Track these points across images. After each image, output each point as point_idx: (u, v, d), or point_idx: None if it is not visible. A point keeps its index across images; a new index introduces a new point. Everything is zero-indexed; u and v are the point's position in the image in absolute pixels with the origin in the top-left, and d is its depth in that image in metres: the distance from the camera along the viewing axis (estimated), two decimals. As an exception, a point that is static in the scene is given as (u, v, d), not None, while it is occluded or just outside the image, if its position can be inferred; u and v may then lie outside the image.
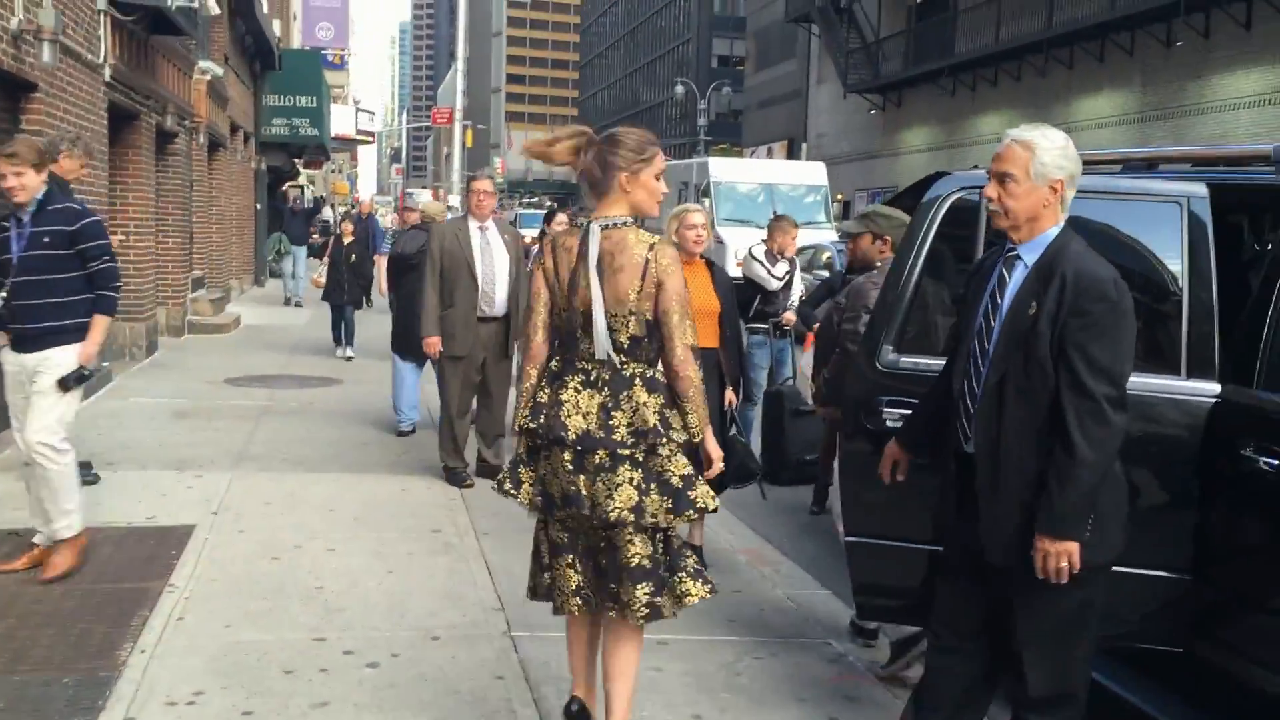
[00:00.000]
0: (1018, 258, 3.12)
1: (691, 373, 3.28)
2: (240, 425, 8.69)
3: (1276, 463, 3.35)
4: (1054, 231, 3.08)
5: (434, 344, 7.08)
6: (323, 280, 13.44)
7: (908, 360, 3.97)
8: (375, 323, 14.44)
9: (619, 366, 3.29)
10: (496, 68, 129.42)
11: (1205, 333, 3.70)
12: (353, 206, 44.41)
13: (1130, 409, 3.10)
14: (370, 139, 45.41)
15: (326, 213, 33.33)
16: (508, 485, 3.47)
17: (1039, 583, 3.01)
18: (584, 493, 3.24)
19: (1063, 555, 2.94)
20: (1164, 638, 3.77)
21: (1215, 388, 3.66)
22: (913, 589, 4.00)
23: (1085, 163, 3.22)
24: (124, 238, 11.22)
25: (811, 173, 26.26)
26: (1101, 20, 25.05)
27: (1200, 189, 3.80)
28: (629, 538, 3.25)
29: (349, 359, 12.84)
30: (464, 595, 5.07)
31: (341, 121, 34.52)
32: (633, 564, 3.25)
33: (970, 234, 3.96)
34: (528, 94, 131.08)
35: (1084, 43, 26.55)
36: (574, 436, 3.24)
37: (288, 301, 19.23)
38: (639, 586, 3.24)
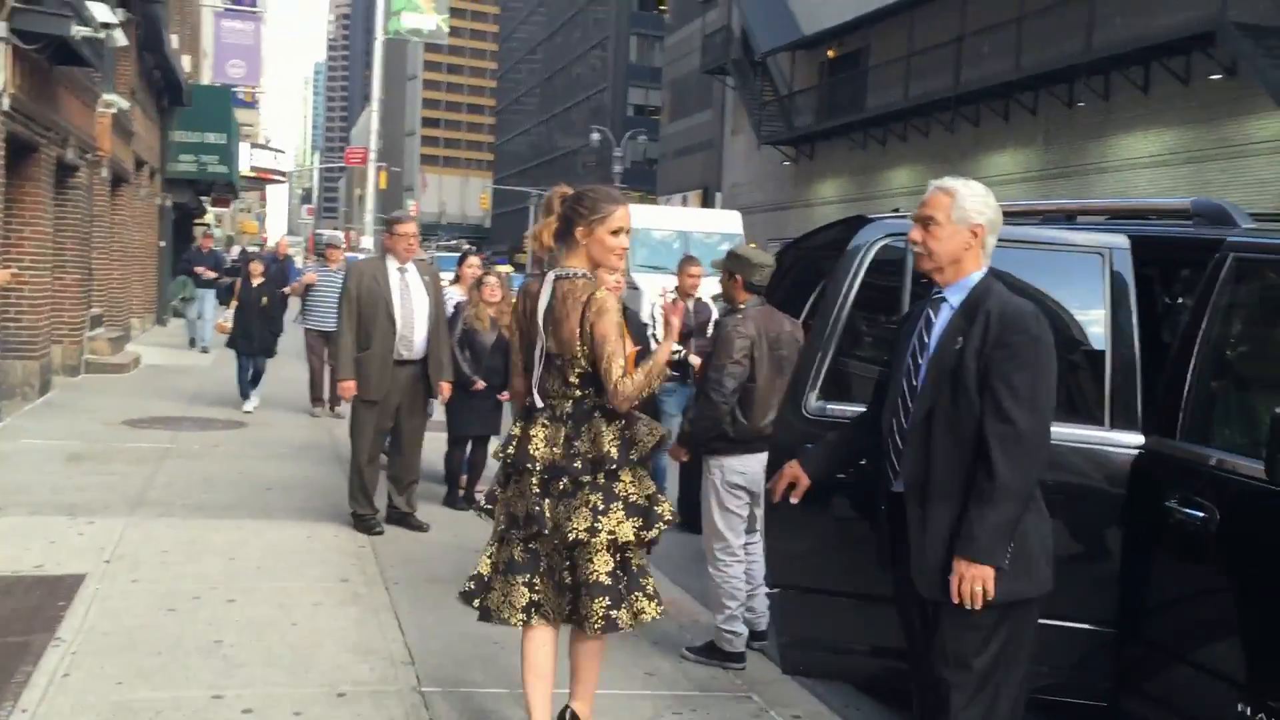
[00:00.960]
0: (943, 300, 3.20)
1: (621, 401, 3.42)
2: (138, 469, 8.34)
3: (1200, 514, 3.36)
4: (977, 275, 3.18)
5: (349, 388, 6.83)
6: (229, 325, 12.26)
7: (834, 407, 3.93)
8: (285, 368, 14.06)
9: (580, 399, 3.50)
10: (412, 111, 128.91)
11: (1127, 383, 3.72)
12: (261, 247, 43.58)
13: (1052, 459, 3.09)
14: (281, 178, 44.60)
15: (234, 252, 32.59)
16: (488, 506, 3.76)
17: (967, 616, 2.98)
18: (547, 514, 3.50)
19: (979, 579, 2.95)
20: (1089, 692, 3.75)
21: (1138, 439, 3.67)
22: (839, 641, 3.93)
23: (1005, 214, 3.30)
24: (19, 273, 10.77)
25: (727, 221, 26.46)
26: (1007, 80, 25.81)
27: (1122, 241, 3.84)
28: (589, 556, 3.48)
29: (248, 411, 11.75)
30: (373, 648, 4.87)
31: (245, 160, 33.93)
32: (593, 580, 3.48)
33: (896, 280, 3.94)
34: (443, 138, 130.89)
35: (990, 101, 27.32)
36: (540, 465, 3.51)
37: (192, 344, 18.63)
38: (597, 601, 3.47)
